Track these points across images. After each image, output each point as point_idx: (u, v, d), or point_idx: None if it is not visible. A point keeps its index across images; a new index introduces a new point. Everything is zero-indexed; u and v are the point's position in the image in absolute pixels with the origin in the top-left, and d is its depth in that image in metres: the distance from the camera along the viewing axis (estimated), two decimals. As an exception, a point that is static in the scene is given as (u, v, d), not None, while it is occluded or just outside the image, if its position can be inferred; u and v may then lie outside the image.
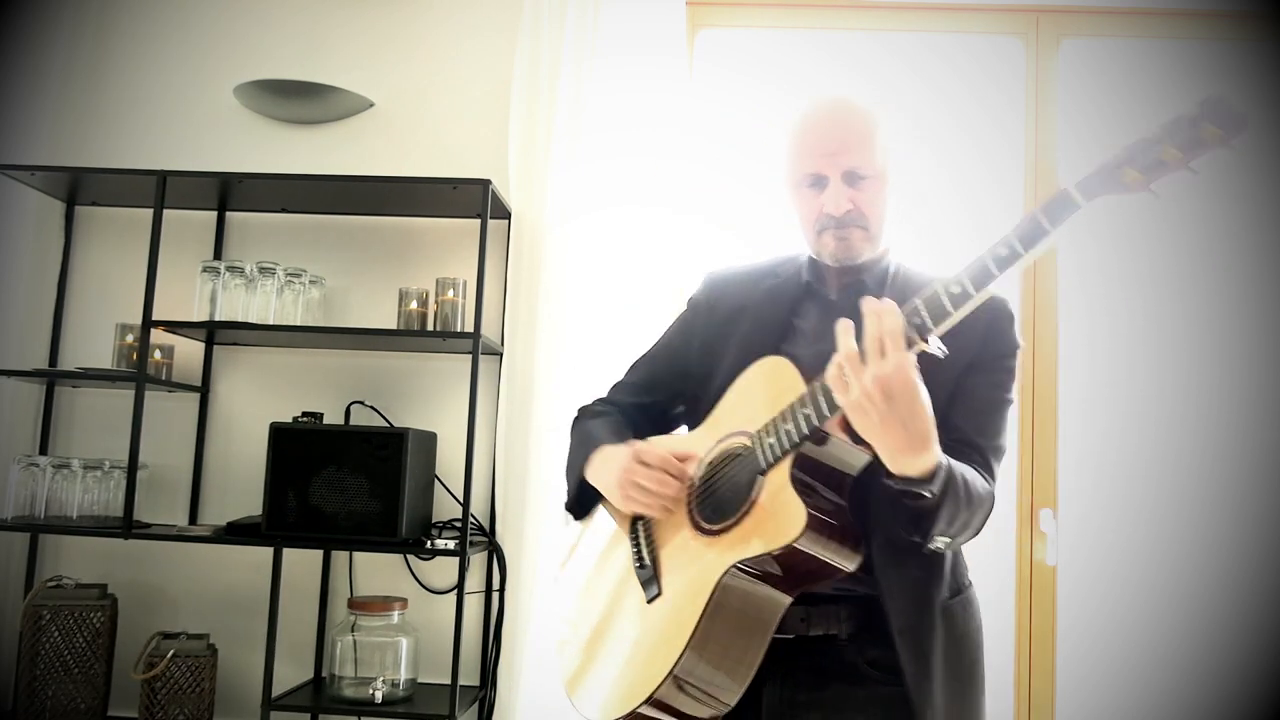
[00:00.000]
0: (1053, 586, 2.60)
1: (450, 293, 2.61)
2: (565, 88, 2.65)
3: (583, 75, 2.66)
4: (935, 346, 1.22)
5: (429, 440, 2.62)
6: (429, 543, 2.45)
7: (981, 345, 1.43)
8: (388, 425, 2.71)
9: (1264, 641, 2.58)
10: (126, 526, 2.47)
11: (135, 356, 2.59)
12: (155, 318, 2.52)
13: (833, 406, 1.26)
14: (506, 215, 2.70)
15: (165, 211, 2.56)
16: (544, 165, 2.65)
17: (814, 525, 1.26)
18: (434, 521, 2.66)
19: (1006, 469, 2.59)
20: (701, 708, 1.34)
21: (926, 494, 1.24)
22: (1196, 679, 2.60)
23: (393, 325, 2.68)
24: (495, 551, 2.66)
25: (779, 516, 1.29)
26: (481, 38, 2.86)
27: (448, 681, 2.38)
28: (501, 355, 2.67)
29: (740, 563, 1.30)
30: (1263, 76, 2.67)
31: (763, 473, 1.34)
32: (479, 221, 2.51)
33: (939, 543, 1.32)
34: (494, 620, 2.66)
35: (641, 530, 1.51)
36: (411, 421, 2.72)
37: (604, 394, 1.74)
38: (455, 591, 2.45)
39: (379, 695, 2.38)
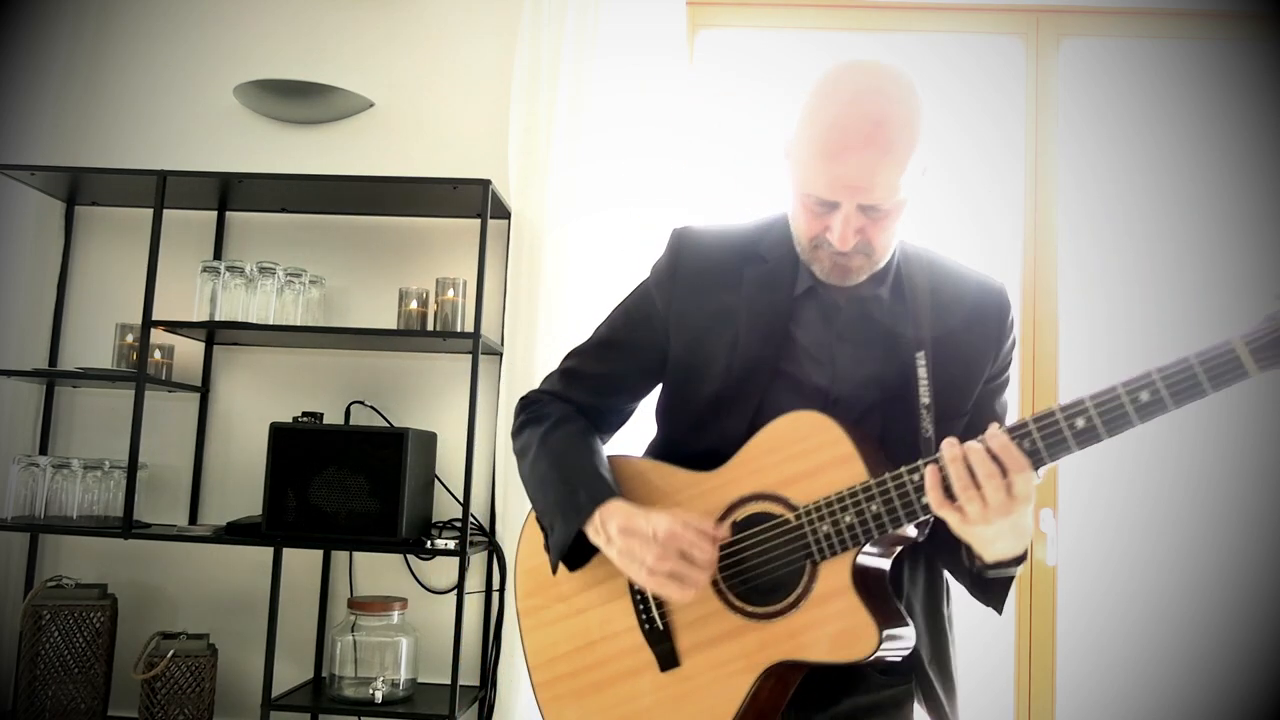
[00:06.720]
0: (1053, 586, 2.60)
1: (450, 293, 2.61)
2: (565, 88, 2.65)
3: (583, 75, 2.66)
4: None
5: (429, 440, 2.62)
6: (429, 543, 2.45)
7: (997, 351, 1.36)
8: (388, 425, 2.71)
9: (1264, 641, 2.58)
10: (126, 526, 2.47)
11: (135, 356, 2.59)
12: (155, 318, 2.52)
13: (912, 516, 1.17)
14: (506, 215, 2.70)
15: (165, 211, 2.56)
16: (544, 165, 2.65)
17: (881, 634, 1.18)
18: (434, 521, 2.66)
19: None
20: None
21: (1014, 571, 1.23)
22: (1196, 679, 2.60)
23: (393, 325, 2.68)
24: (495, 551, 2.66)
25: (842, 624, 1.19)
26: (481, 38, 2.86)
27: (448, 681, 2.37)
28: (501, 355, 2.66)
29: (790, 660, 1.23)
30: (1263, 76, 2.67)
31: (814, 561, 1.23)
32: (479, 221, 2.51)
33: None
34: (494, 620, 2.66)
35: None
36: (411, 421, 2.72)
37: (554, 387, 1.49)
38: (455, 591, 2.45)
39: (379, 695, 2.38)
